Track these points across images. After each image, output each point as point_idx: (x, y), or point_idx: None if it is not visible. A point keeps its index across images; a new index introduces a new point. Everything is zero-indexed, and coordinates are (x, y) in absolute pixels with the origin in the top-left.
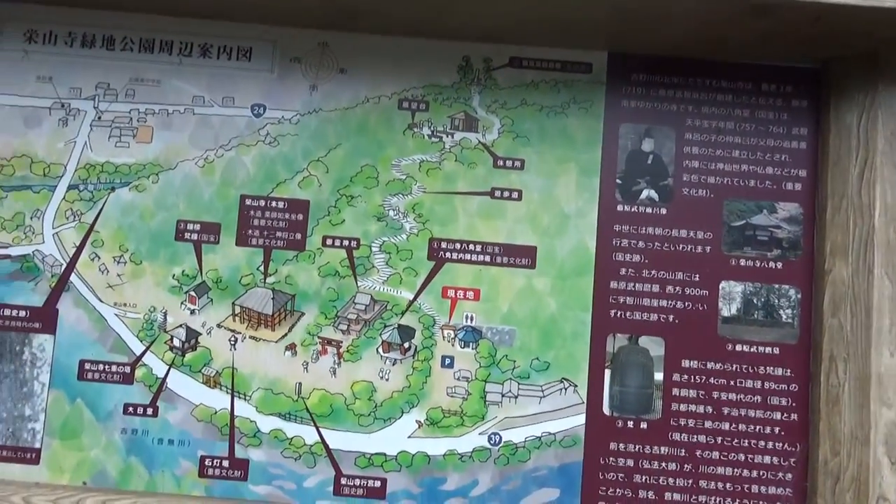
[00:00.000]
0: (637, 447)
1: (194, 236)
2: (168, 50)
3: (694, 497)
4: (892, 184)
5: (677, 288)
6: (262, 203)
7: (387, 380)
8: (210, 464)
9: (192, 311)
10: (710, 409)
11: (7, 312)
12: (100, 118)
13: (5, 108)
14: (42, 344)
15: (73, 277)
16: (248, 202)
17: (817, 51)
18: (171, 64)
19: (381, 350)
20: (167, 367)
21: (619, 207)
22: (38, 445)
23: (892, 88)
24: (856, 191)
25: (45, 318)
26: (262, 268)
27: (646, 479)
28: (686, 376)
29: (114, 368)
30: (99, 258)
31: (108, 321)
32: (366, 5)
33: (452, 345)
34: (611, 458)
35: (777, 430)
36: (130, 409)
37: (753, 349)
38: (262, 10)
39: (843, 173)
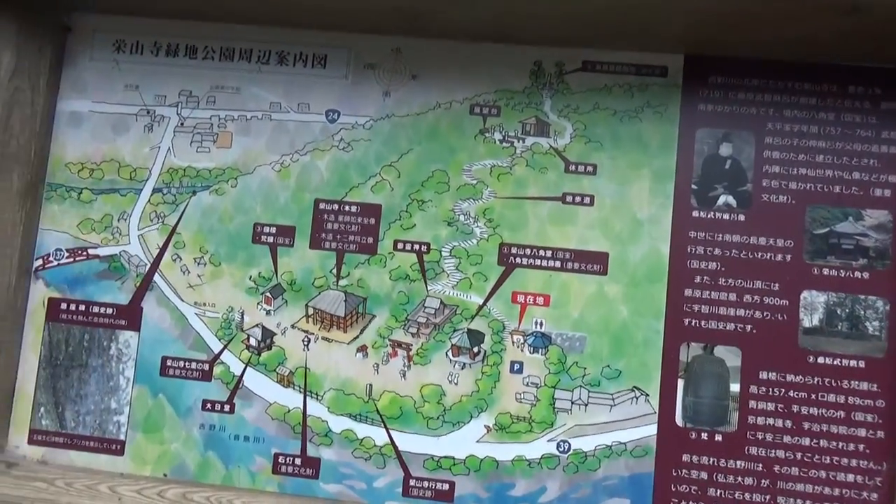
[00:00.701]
0: (711, 460)
1: (270, 239)
2: (247, 58)
3: None
4: None
5: (755, 297)
6: (336, 207)
7: (456, 384)
8: (283, 461)
9: (268, 312)
10: (789, 423)
11: (96, 310)
12: (182, 124)
13: (95, 115)
14: (127, 340)
15: (156, 277)
16: (321, 206)
17: None
18: (250, 72)
19: (450, 354)
20: (244, 365)
21: (695, 213)
22: (122, 437)
23: None
24: None
25: (131, 315)
26: (334, 270)
27: (720, 494)
28: (764, 388)
29: (193, 365)
30: (181, 259)
31: (188, 320)
32: (438, 10)
33: (522, 350)
34: (683, 471)
35: (861, 447)
36: (209, 405)
37: (836, 362)
38: (337, 17)
39: None
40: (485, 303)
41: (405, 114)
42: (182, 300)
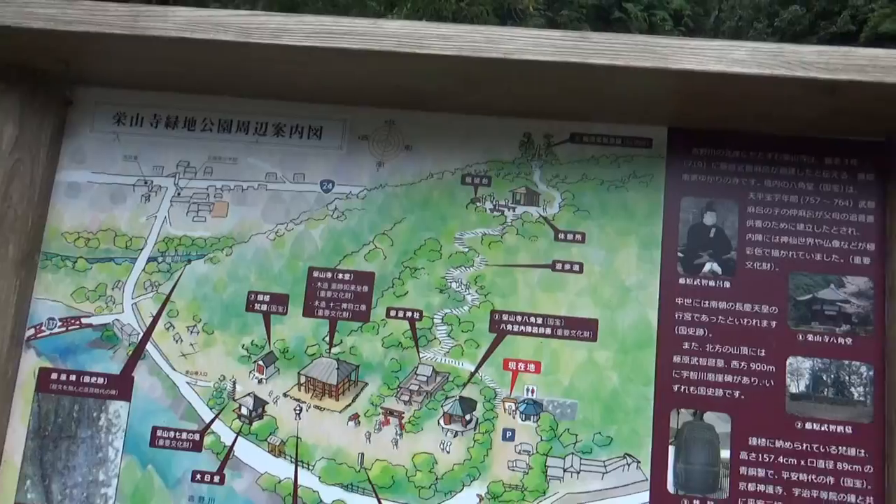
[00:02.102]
0: None
1: (264, 307)
2: (245, 129)
3: None
4: None
5: (743, 363)
6: (329, 275)
7: (448, 452)
8: None
9: (260, 381)
10: (780, 489)
11: (87, 380)
12: (179, 194)
13: (94, 185)
14: (118, 410)
15: (148, 346)
16: (315, 274)
17: (883, 124)
18: (248, 143)
19: (442, 422)
20: (235, 435)
21: (682, 280)
22: None
23: None
24: None
25: (122, 385)
26: (327, 338)
27: None
28: (754, 454)
29: (184, 436)
30: (174, 328)
31: (180, 389)
32: (441, 91)
33: (514, 417)
34: None
35: None
36: (199, 476)
37: (825, 428)
38: (333, 91)
39: None
40: (476, 370)
41: (398, 183)
42: (174, 369)
